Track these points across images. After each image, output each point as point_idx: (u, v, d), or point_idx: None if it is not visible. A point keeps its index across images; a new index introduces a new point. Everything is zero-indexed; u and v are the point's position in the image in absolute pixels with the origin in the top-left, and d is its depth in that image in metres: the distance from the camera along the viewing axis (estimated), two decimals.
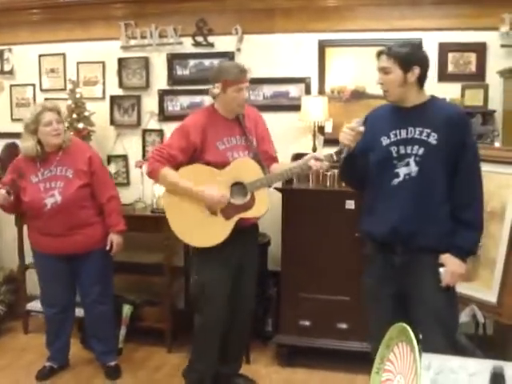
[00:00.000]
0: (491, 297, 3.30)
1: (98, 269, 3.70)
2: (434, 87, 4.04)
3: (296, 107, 4.25)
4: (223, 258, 3.24)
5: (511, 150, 3.54)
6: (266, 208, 3.29)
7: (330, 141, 4.21)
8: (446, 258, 2.72)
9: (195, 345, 3.48)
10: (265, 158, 3.35)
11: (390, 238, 2.73)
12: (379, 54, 2.74)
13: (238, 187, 3.22)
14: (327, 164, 3.14)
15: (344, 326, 3.93)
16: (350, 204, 3.81)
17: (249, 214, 3.25)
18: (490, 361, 1.97)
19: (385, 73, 2.71)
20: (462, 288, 3.07)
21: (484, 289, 3.34)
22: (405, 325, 1.83)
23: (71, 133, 4.06)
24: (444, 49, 4.16)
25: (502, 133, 4.01)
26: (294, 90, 4.40)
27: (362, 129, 2.70)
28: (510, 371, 1.84)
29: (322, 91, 4.32)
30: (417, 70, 2.69)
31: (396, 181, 2.72)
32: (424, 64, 2.73)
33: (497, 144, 3.72)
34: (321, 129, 4.22)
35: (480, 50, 4.15)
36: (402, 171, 2.71)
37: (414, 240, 2.70)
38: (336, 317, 3.93)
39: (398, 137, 2.73)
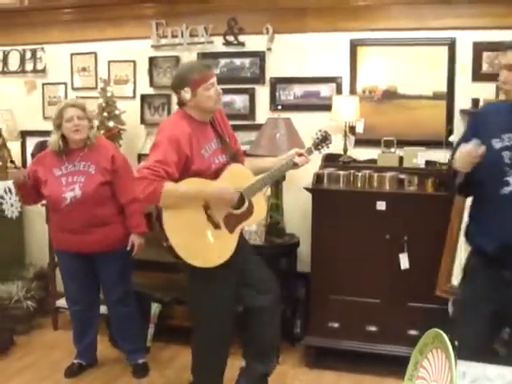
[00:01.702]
0: None
1: (118, 270, 3.73)
2: (468, 87, 4.02)
3: (327, 107, 4.23)
4: (226, 270, 3.02)
5: None
6: (265, 210, 3.22)
7: (361, 141, 4.18)
8: None
9: (198, 368, 3.31)
10: (239, 156, 3.25)
11: (499, 251, 2.50)
12: (508, 48, 2.46)
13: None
14: (309, 158, 3.10)
15: (373, 328, 3.89)
16: (381, 205, 3.78)
17: (251, 221, 3.16)
18: None
19: None
20: None
21: None
22: (440, 331, 1.77)
23: (101, 131, 4.05)
24: (478, 48, 4.11)
25: None
26: (324, 90, 4.38)
27: (480, 151, 2.39)
28: None
29: (353, 91, 4.29)
30: None
31: (507, 190, 2.47)
32: None
33: None
34: (352, 129, 4.17)
35: None
36: None
37: None
38: (365, 319, 3.90)
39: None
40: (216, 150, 3.06)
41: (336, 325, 3.95)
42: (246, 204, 3.07)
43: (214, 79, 3.00)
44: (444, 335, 1.75)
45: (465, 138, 2.59)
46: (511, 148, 2.47)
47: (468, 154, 2.40)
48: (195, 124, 3.01)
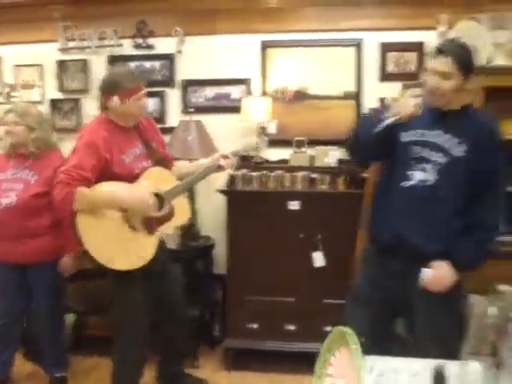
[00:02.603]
0: None
1: (48, 281, 3.58)
2: (375, 87, 4.09)
3: (238, 109, 4.23)
4: (145, 275, 3.05)
5: None
6: (188, 215, 3.20)
7: (274, 141, 4.18)
8: (437, 264, 2.53)
9: (119, 373, 3.28)
10: (165, 160, 3.25)
11: (393, 242, 2.57)
12: (439, 52, 2.47)
13: (156, 198, 3.05)
14: (235, 160, 3.13)
15: (291, 327, 3.91)
16: (294, 205, 3.80)
17: (172, 224, 3.14)
18: (431, 360, 1.95)
19: (443, 77, 2.45)
20: None
21: None
22: (345, 328, 1.79)
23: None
24: (385, 48, 4.22)
25: None
26: (236, 92, 4.35)
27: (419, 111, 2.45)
28: (452, 370, 1.81)
29: (264, 92, 4.27)
30: (472, 77, 2.51)
31: (408, 184, 2.54)
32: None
33: None
34: (264, 130, 4.15)
35: (419, 49, 4.19)
36: (417, 175, 2.53)
37: (416, 248, 2.52)
38: (283, 318, 3.93)
39: (422, 137, 2.54)
40: (140, 155, 3.06)
41: (254, 326, 3.96)
42: (167, 207, 3.05)
43: (145, 91, 3.03)
44: (349, 333, 1.76)
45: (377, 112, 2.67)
46: (419, 143, 2.54)
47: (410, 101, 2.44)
48: (117, 129, 3.01)
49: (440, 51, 2.46)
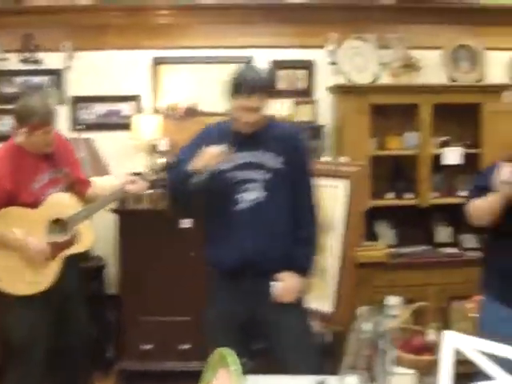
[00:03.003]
0: (326, 307, 3.38)
1: None
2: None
3: (129, 126, 4.13)
4: (45, 301, 2.97)
5: (338, 164, 3.63)
6: (92, 240, 3.13)
7: None
8: (284, 276, 2.65)
9: None
10: (79, 184, 3.20)
11: (240, 264, 2.62)
12: (250, 93, 2.51)
13: (59, 224, 3.00)
14: (146, 184, 3.05)
15: (186, 346, 3.85)
16: (185, 223, 3.73)
17: (74, 250, 3.06)
18: (312, 376, 1.97)
19: (255, 111, 2.54)
20: None
21: (319, 299, 3.39)
22: (225, 350, 1.78)
23: None
24: (275, 66, 4.26)
25: (331, 147, 4.11)
26: (126, 108, 4.26)
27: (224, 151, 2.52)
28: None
29: (155, 109, 4.22)
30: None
31: (240, 206, 2.61)
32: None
33: (325, 158, 3.77)
34: (155, 147, 4.09)
35: (309, 67, 4.27)
36: (247, 196, 2.60)
37: (263, 265, 2.61)
38: (178, 338, 3.87)
39: (238, 161, 2.61)
40: (49, 181, 3.00)
41: (149, 346, 3.90)
42: (71, 232, 3.00)
43: (52, 127, 2.96)
44: (228, 354, 1.76)
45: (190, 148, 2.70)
46: (237, 167, 2.60)
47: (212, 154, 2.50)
48: (25, 155, 2.96)
49: (250, 89, 2.50)
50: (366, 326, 1.98)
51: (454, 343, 2.22)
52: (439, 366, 2.22)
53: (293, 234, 2.67)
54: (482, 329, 2.85)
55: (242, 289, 2.65)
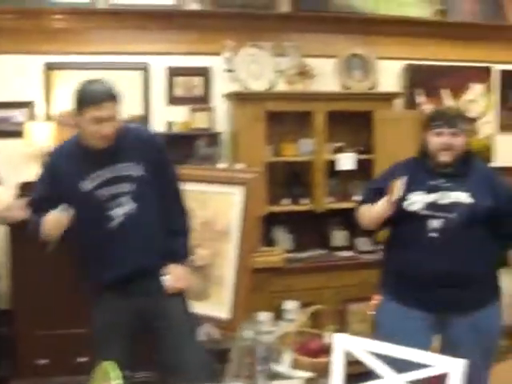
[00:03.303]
0: (223, 313, 3.39)
1: None
2: (162, 111, 4.10)
3: (21, 133, 3.97)
4: None
5: (234, 170, 3.65)
6: None
7: None
8: (170, 267, 2.77)
9: None
10: None
11: (124, 278, 2.66)
12: (100, 101, 2.47)
13: None
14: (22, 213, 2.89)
15: (83, 359, 3.73)
16: None
17: None
18: None
19: (111, 120, 2.51)
20: (196, 308, 3.08)
21: (216, 306, 3.42)
22: (108, 364, 1.77)
23: None
24: (172, 73, 4.26)
25: (228, 154, 4.13)
26: (18, 115, 4.11)
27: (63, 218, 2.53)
28: None
29: (49, 116, 4.09)
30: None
31: (114, 223, 2.62)
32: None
33: (222, 165, 3.78)
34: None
35: (206, 74, 4.28)
36: (118, 212, 2.62)
37: (147, 272, 2.71)
38: (75, 351, 3.73)
39: (101, 179, 2.60)
40: None
41: (45, 361, 3.78)
42: None
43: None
44: (111, 368, 1.75)
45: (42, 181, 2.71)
46: (102, 185, 2.59)
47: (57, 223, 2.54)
48: None
49: (99, 98, 2.49)
50: (247, 334, 1.99)
51: (344, 345, 2.29)
52: (331, 368, 2.28)
53: (167, 233, 2.77)
54: (380, 327, 3.02)
55: (128, 296, 2.68)
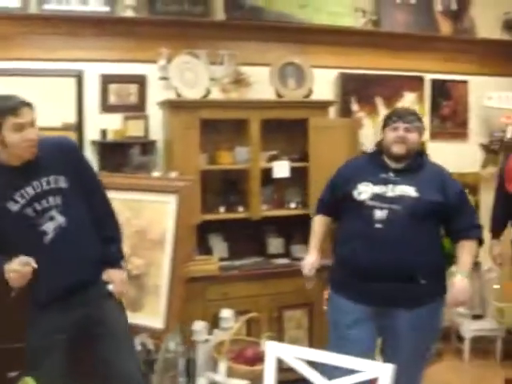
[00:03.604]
0: (158, 323, 3.35)
1: None
2: (96, 119, 4.05)
3: None
4: None
5: (168, 179, 3.63)
6: None
7: None
8: (109, 273, 2.83)
9: None
10: None
11: (62, 293, 2.66)
12: (18, 108, 2.50)
13: None
14: None
15: (14, 374, 3.62)
16: None
17: None
18: None
19: (33, 126, 2.57)
20: (131, 318, 3.07)
21: (150, 316, 3.39)
22: (29, 378, 1.74)
23: None
24: (105, 80, 4.21)
25: (163, 162, 4.12)
26: None
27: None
28: None
29: None
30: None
31: (47, 238, 2.61)
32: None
33: (156, 173, 3.76)
34: None
35: (140, 81, 4.27)
36: (49, 226, 2.61)
37: (85, 283, 2.73)
38: (6, 366, 3.61)
39: (27, 196, 2.57)
40: None
41: None
42: None
43: None
44: (30, 381, 1.73)
45: None
46: (30, 202, 2.57)
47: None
48: None
49: (21, 105, 2.52)
50: (171, 346, 1.99)
51: (275, 352, 2.31)
52: (264, 375, 2.31)
53: (99, 241, 2.80)
54: (329, 319, 3.17)
55: (66, 311, 2.68)
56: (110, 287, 2.84)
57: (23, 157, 2.55)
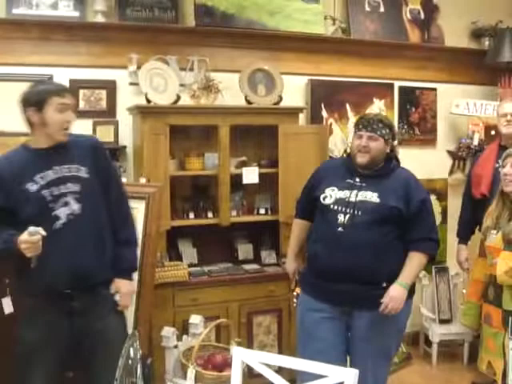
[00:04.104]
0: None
1: None
2: None
3: None
4: None
5: (137, 185, 3.66)
6: None
7: None
8: (118, 284, 2.83)
9: None
10: None
11: (67, 282, 2.66)
12: (63, 91, 2.75)
13: None
14: None
15: None
16: None
17: None
18: None
19: (73, 110, 2.76)
20: None
21: None
22: None
23: None
24: (75, 85, 4.17)
25: (132, 168, 4.13)
26: None
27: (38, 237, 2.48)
28: None
29: None
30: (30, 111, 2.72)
31: (59, 223, 2.65)
32: (31, 106, 2.75)
33: (125, 179, 3.76)
34: None
35: (110, 87, 4.28)
36: (63, 212, 2.65)
37: (91, 277, 2.71)
38: None
39: (47, 179, 2.65)
40: None
41: None
42: None
43: None
44: None
45: None
46: (48, 185, 2.65)
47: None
48: None
49: (65, 88, 2.83)
50: (130, 352, 1.99)
51: (241, 358, 2.34)
52: (231, 381, 2.33)
53: (113, 240, 2.81)
54: (297, 316, 3.29)
55: (70, 310, 2.69)
56: (117, 297, 2.83)
57: (55, 139, 2.68)
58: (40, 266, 2.62)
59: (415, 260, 3.01)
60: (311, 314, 3.11)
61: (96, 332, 2.73)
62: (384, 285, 2.96)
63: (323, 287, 3.04)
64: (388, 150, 3.12)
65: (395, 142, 3.31)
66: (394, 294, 2.92)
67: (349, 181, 3.07)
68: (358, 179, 3.06)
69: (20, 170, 2.64)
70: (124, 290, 2.84)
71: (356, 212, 2.96)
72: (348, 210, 2.98)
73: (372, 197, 2.98)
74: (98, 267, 2.72)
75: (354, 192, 3.01)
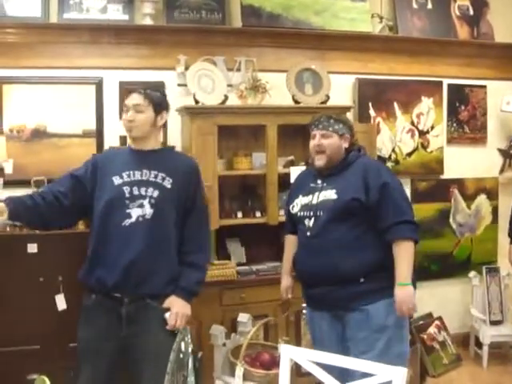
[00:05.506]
0: None
1: None
2: (116, 125, 4.17)
3: None
4: None
5: None
6: None
7: (11, 182, 4.02)
8: (171, 301, 2.78)
9: None
10: None
11: (120, 282, 2.71)
12: (131, 91, 2.93)
13: None
14: None
15: (35, 376, 3.70)
16: (33, 248, 3.67)
17: None
18: None
19: (137, 111, 2.81)
20: None
21: None
22: (42, 378, 1.81)
23: None
24: (124, 87, 4.26)
25: None
26: None
27: None
28: None
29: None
30: (165, 115, 2.91)
31: (128, 221, 2.73)
32: (168, 111, 2.99)
33: None
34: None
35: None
36: (135, 212, 2.73)
37: (142, 285, 2.74)
38: (26, 368, 3.72)
39: (132, 178, 2.78)
40: None
41: None
42: None
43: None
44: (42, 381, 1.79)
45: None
46: (131, 184, 2.77)
47: None
48: None
49: (133, 90, 2.97)
50: (182, 346, 2.05)
51: (289, 356, 2.37)
52: (279, 379, 2.37)
53: (180, 256, 2.83)
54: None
55: (119, 313, 2.75)
56: (166, 315, 2.75)
57: (130, 135, 2.92)
58: (96, 261, 2.76)
59: (399, 252, 2.83)
60: (314, 325, 3.14)
61: (142, 344, 2.75)
62: (362, 280, 2.87)
63: (310, 294, 3.07)
64: (346, 145, 3.06)
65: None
66: (400, 297, 2.81)
67: (312, 185, 3.08)
68: (319, 181, 3.06)
69: (113, 163, 2.85)
70: (175, 308, 2.76)
71: (318, 213, 2.96)
72: (312, 214, 2.98)
73: (331, 194, 2.96)
74: (150, 275, 2.74)
75: (316, 194, 3.01)
